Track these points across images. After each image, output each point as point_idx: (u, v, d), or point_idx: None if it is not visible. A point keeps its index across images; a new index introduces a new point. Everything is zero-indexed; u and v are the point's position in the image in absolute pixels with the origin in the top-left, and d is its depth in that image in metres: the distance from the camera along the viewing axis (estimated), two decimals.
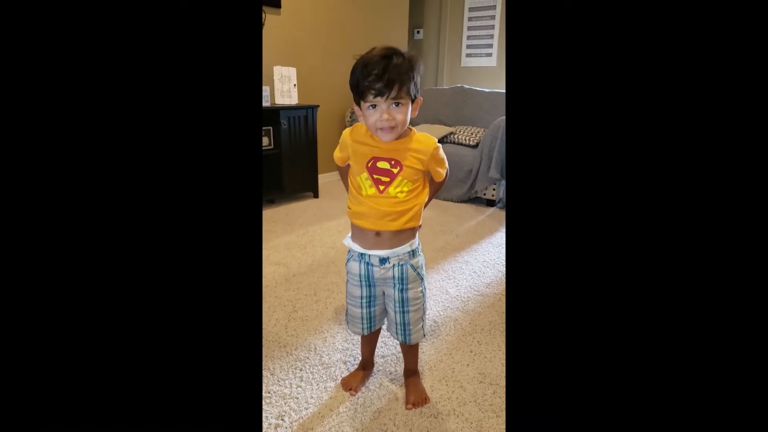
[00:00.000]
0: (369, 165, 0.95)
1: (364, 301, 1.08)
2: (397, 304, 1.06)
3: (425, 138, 0.97)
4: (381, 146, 0.95)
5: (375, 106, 0.89)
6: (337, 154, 1.06)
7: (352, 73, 0.90)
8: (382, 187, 0.95)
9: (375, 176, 0.95)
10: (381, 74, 0.85)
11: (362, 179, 0.97)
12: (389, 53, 0.87)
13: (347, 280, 1.10)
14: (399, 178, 0.95)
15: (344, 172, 1.09)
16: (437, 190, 1.10)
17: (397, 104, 0.89)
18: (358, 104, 0.93)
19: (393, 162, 0.94)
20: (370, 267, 1.03)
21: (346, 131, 1.02)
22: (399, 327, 1.08)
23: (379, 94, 0.86)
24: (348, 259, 1.08)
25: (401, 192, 0.96)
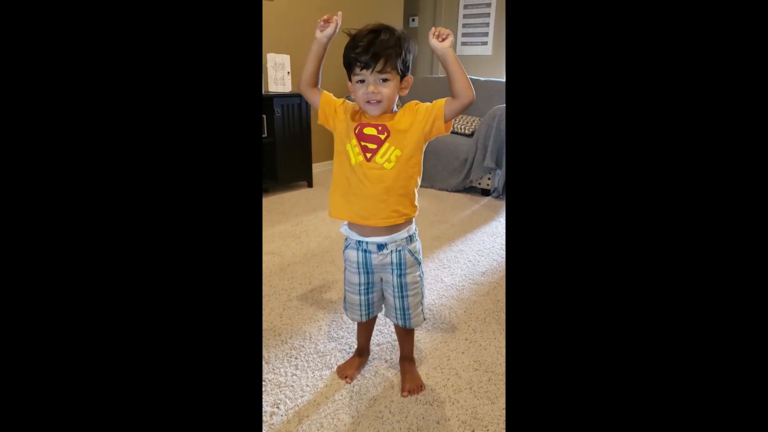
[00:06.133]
0: (357, 131, 0.96)
1: (362, 288, 1.08)
2: (396, 290, 1.06)
3: (408, 103, 0.98)
4: (370, 116, 0.96)
5: (363, 81, 0.90)
6: (331, 95, 1.02)
7: (344, 49, 0.91)
8: (369, 155, 0.95)
9: (362, 143, 0.95)
10: (367, 47, 0.87)
11: (351, 146, 0.96)
12: (379, 28, 0.89)
13: (345, 268, 1.10)
14: (386, 144, 0.94)
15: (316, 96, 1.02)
16: (463, 98, 0.92)
17: (384, 80, 0.90)
18: (350, 80, 0.94)
19: (380, 128, 0.95)
20: (368, 254, 1.03)
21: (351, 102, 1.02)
22: (398, 312, 1.08)
23: (365, 66, 0.88)
24: (345, 247, 1.08)
25: (388, 162, 0.94)
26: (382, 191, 0.95)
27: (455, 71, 0.89)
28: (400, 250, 1.02)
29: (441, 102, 0.94)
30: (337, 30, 0.93)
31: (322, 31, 0.93)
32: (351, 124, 0.97)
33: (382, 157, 0.94)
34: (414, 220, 1.04)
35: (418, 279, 1.07)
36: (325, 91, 1.02)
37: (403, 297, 1.06)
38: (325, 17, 0.92)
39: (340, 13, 0.93)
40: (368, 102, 0.91)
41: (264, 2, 2.87)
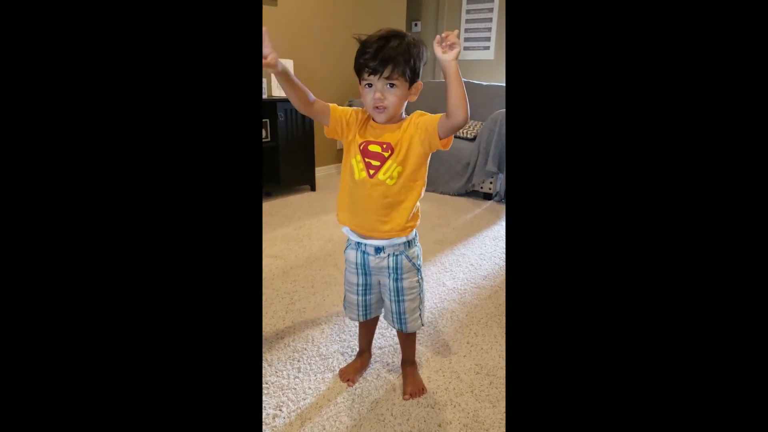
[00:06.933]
0: (361, 147, 0.97)
1: (360, 288, 1.10)
2: (392, 294, 1.07)
3: (414, 113, 0.98)
4: (376, 129, 0.97)
5: (371, 85, 0.92)
6: (338, 108, 0.99)
7: (356, 54, 0.92)
8: (372, 171, 0.96)
9: (366, 159, 0.97)
10: (375, 53, 0.88)
11: (355, 161, 0.98)
12: (389, 35, 0.90)
13: (345, 267, 1.12)
14: (389, 162, 0.95)
15: (323, 112, 0.98)
16: (453, 124, 0.89)
17: (392, 85, 0.91)
18: (360, 83, 0.96)
19: (385, 146, 0.96)
20: (366, 256, 1.05)
21: (357, 108, 1.01)
22: (395, 315, 1.09)
23: (373, 72, 0.89)
24: (346, 247, 1.10)
25: (391, 178, 0.95)
26: (384, 206, 0.97)
27: (453, 86, 0.85)
28: (397, 255, 1.03)
29: (435, 121, 0.92)
30: (276, 58, 0.82)
31: (271, 67, 0.84)
32: (357, 140, 0.98)
33: (384, 173, 0.96)
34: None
35: (416, 284, 1.07)
36: (331, 105, 0.99)
37: (399, 301, 1.07)
38: (264, 58, 0.81)
39: (264, 29, 0.76)
40: (375, 107, 0.93)
41: (268, 8, 2.90)
